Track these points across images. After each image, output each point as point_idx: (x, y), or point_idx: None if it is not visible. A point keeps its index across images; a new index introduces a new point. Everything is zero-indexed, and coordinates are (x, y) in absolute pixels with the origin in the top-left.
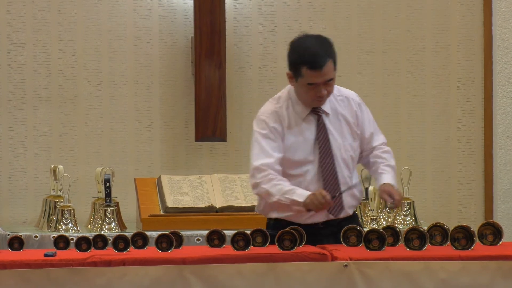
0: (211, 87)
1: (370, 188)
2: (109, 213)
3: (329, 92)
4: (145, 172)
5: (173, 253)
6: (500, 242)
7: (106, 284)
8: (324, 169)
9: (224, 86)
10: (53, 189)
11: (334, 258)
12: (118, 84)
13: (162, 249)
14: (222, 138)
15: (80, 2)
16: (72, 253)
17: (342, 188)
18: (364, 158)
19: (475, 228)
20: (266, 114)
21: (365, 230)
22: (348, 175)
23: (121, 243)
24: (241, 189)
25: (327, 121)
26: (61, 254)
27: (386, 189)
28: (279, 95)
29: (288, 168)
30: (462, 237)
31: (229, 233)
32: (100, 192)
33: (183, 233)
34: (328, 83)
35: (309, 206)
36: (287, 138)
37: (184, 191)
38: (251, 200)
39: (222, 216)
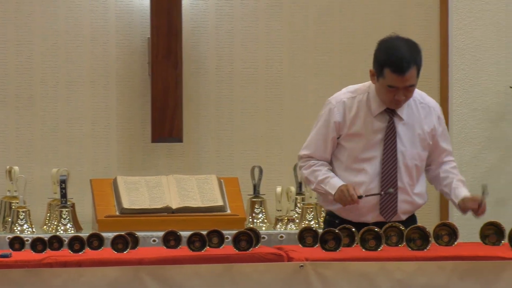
0: (168, 88)
1: None
2: (64, 214)
3: (407, 98)
4: (102, 173)
5: (129, 254)
6: (456, 243)
7: (62, 285)
8: (385, 171)
9: (181, 87)
10: (8, 190)
11: (290, 259)
12: (75, 85)
13: (118, 250)
14: (179, 139)
15: (37, 3)
16: (27, 254)
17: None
18: (433, 171)
19: (430, 228)
20: (334, 102)
21: (321, 231)
22: (409, 183)
23: (76, 244)
24: (197, 190)
25: (398, 125)
26: (17, 255)
27: (470, 199)
28: (358, 87)
29: (348, 161)
30: (418, 237)
31: (185, 234)
32: (56, 193)
33: (139, 234)
34: (408, 89)
35: (337, 200)
36: (350, 129)
37: (140, 192)
38: (207, 201)
39: (178, 217)
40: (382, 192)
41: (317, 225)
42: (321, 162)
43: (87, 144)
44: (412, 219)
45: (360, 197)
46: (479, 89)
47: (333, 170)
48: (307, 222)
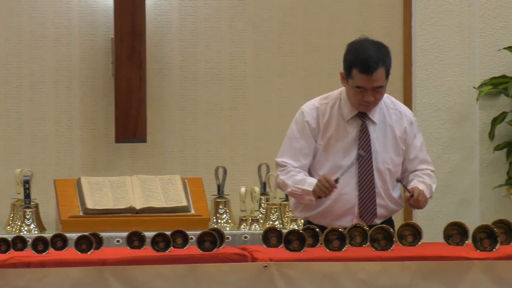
0: (132, 88)
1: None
2: (28, 215)
3: (377, 100)
4: (66, 173)
5: (93, 254)
6: (420, 243)
7: (26, 286)
8: (362, 175)
9: (145, 87)
10: None
11: (254, 259)
12: (38, 85)
13: (81, 251)
14: (143, 139)
15: (1, 3)
16: None
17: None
18: (406, 177)
19: (394, 229)
20: (307, 109)
21: (285, 231)
22: (382, 187)
23: (40, 244)
24: (161, 190)
25: (371, 129)
26: None
27: (413, 187)
28: (330, 94)
29: (319, 167)
30: (382, 238)
31: (149, 234)
32: (20, 193)
33: (103, 234)
34: (377, 90)
35: (317, 193)
36: (324, 136)
37: (104, 192)
38: (171, 201)
39: (142, 218)
40: (353, 160)
41: (281, 226)
42: (299, 170)
43: (50, 145)
44: (389, 224)
45: (336, 180)
46: (442, 89)
47: None
48: (271, 222)
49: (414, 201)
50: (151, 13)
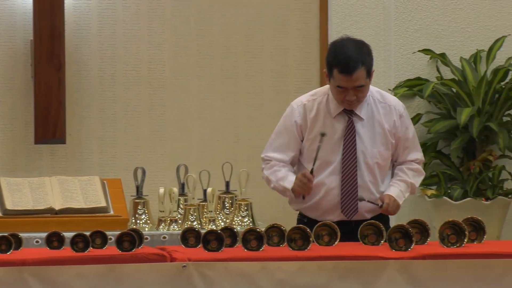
0: (51, 89)
1: (209, 189)
2: None
3: (360, 98)
4: None
5: (12, 255)
6: (336, 243)
7: None
8: (345, 171)
9: (64, 88)
10: None
11: (173, 259)
12: None
13: (1, 251)
14: (62, 140)
15: None
16: None
17: (359, 195)
18: (394, 169)
19: (311, 229)
20: (295, 105)
21: (204, 231)
22: (371, 181)
23: None
24: (80, 191)
25: (358, 125)
26: None
27: (381, 196)
28: (318, 90)
29: (308, 162)
30: (299, 237)
31: (68, 235)
32: None
33: (22, 235)
34: (358, 89)
35: (296, 190)
36: (311, 132)
37: (24, 193)
38: (91, 202)
39: (61, 218)
40: (318, 143)
41: (199, 226)
42: (283, 164)
43: None
44: (383, 217)
45: (311, 171)
46: None
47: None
48: (189, 222)
49: (383, 211)
50: (70, 15)
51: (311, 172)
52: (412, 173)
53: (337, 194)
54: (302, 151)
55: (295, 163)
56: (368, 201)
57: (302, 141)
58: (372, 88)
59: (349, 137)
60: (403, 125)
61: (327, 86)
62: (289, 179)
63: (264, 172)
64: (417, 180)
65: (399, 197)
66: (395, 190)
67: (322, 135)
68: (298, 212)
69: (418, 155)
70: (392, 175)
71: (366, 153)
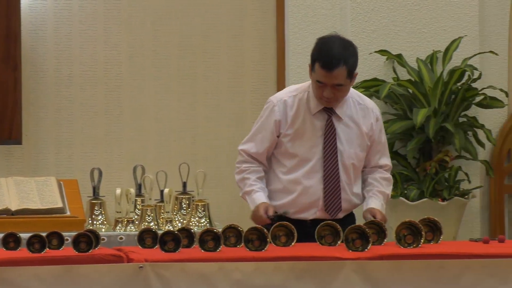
0: (7, 90)
1: (166, 190)
2: None
3: (338, 97)
4: None
5: None
6: (293, 243)
7: None
8: (327, 169)
9: (20, 89)
10: None
11: (129, 260)
12: None
13: None
14: (18, 140)
15: None
16: None
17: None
18: (365, 174)
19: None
20: (275, 101)
21: (160, 232)
22: (347, 181)
23: None
24: (36, 192)
25: (337, 124)
26: None
27: (371, 210)
28: (299, 86)
29: (285, 159)
30: (256, 238)
31: (24, 235)
32: None
33: None
34: (337, 88)
35: (252, 219)
36: (290, 128)
37: None
38: (47, 203)
39: (17, 219)
40: (283, 212)
41: (156, 227)
42: (254, 167)
43: None
44: (351, 218)
45: (272, 218)
46: None
47: (275, 176)
48: (146, 223)
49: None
50: (26, 15)
51: (273, 219)
52: (386, 183)
53: (316, 192)
54: (279, 145)
55: (270, 155)
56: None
57: (278, 136)
58: (352, 90)
59: (330, 135)
60: (378, 128)
61: (308, 83)
62: (253, 198)
63: (235, 174)
64: (390, 190)
65: (383, 210)
66: (379, 204)
67: (285, 213)
68: None
69: (388, 161)
70: (364, 183)
71: (343, 153)
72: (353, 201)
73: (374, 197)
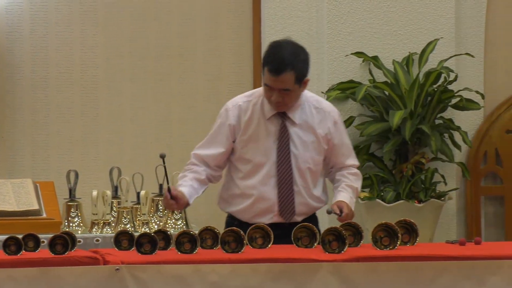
0: None
1: (142, 192)
2: None
3: (286, 102)
4: None
5: None
6: (270, 245)
7: None
8: (281, 174)
9: None
10: None
11: (106, 262)
12: None
13: None
14: None
15: None
16: None
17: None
18: (332, 174)
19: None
20: (230, 106)
21: (137, 234)
22: (303, 185)
23: None
24: (12, 194)
25: (291, 129)
26: None
27: (338, 203)
28: (254, 91)
29: (240, 164)
30: (232, 240)
31: (0, 238)
32: None
33: None
34: (285, 93)
35: (165, 206)
36: (245, 133)
37: None
38: (23, 205)
39: None
40: (164, 165)
41: (132, 229)
42: (196, 168)
43: None
44: (313, 222)
45: (168, 189)
46: None
47: (233, 181)
48: (123, 225)
49: (341, 220)
50: (2, 17)
51: (168, 190)
52: (354, 178)
53: (270, 197)
54: (234, 151)
55: (225, 162)
56: (335, 213)
57: (234, 141)
58: (309, 94)
59: (283, 140)
60: (337, 131)
61: (261, 88)
62: (179, 189)
63: (178, 177)
64: (359, 184)
65: (352, 203)
66: (347, 196)
67: (162, 156)
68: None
69: (354, 161)
70: (333, 182)
71: (298, 157)
72: (311, 204)
73: (342, 190)
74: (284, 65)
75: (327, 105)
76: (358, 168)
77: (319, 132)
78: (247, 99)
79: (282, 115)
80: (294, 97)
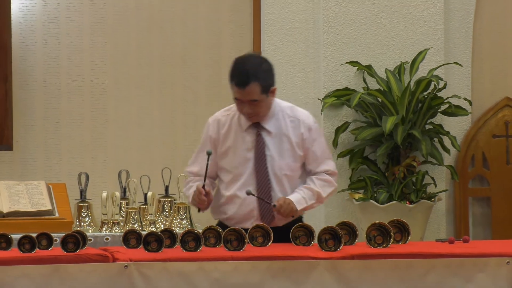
0: None
1: (149, 193)
2: None
3: (258, 112)
4: None
5: None
6: (269, 244)
7: None
8: (259, 181)
9: (11, 98)
10: None
11: (115, 260)
12: None
13: None
14: (9, 146)
15: None
16: None
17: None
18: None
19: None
20: (211, 121)
21: (144, 233)
22: (281, 191)
23: None
24: (27, 195)
25: (267, 138)
26: None
27: (280, 198)
28: (233, 105)
29: (223, 174)
30: (234, 239)
31: (15, 236)
32: None
33: None
34: (254, 103)
35: (194, 203)
36: (223, 145)
37: None
38: (37, 205)
39: (9, 221)
40: (207, 162)
41: (140, 228)
42: (198, 178)
43: None
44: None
45: (203, 186)
46: (290, 101)
47: (219, 191)
48: (131, 225)
49: (276, 211)
50: (16, 28)
51: (203, 187)
52: (320, 183)
53: (250, 203)
54: (217, 163)
55: (216, 173)
56: (261, 199)
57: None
58: (284, 104)
59: (259, 149)
60: (311, 137)
61: None
62: (191, 190)
63: (184, 191)
64: (326, 190)
65: (299, 202)
66: (296, 195)
67: (208, 153)
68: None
69: (330, 166)
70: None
71: (274, 165)
72: None
73: (297, 191)
74: (248, 77)
75: (302, 114)
76: (352, 169)
77: (293, 140)
78: (226, 113)
79: (257, 126)
80: (264, 107)
